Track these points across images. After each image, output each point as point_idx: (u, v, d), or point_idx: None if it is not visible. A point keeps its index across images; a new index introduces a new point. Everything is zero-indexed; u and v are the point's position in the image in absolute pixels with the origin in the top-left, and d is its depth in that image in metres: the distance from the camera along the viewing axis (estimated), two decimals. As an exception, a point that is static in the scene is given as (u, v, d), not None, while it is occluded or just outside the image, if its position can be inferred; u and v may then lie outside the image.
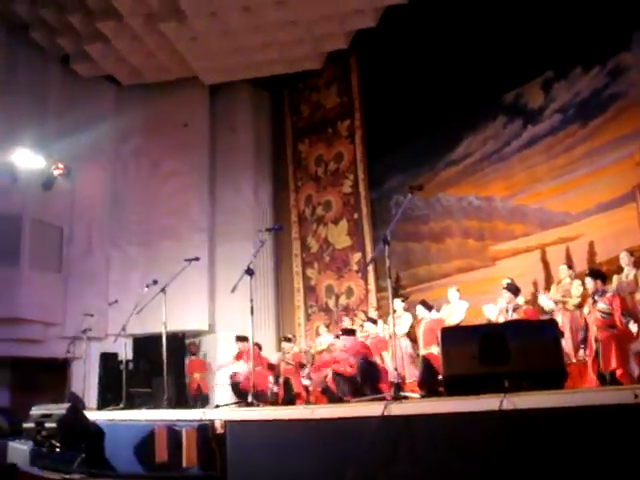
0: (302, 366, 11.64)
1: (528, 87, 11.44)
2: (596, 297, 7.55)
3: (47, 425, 7.15)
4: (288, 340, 12.24)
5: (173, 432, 6.06)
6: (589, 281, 7.63)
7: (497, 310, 8.77)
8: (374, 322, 10.78)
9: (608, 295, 7.55)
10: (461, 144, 12.46)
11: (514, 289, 8.63)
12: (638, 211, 9.65)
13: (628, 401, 3.53)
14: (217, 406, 6.65)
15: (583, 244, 10.32)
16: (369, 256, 14.07)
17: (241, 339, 10.95)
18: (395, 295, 10.85)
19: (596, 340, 7.36)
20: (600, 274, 7.78)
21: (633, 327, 7.14)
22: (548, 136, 11.01)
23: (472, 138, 12.30)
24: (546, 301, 9.18)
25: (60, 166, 13.71)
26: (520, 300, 8.96)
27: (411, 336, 10.54)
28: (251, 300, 6.87)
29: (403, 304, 10.69)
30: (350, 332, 9.82)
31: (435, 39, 12.31)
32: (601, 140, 10.16)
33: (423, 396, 5.28)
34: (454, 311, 9.75)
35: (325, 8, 12.88)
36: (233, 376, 10.88)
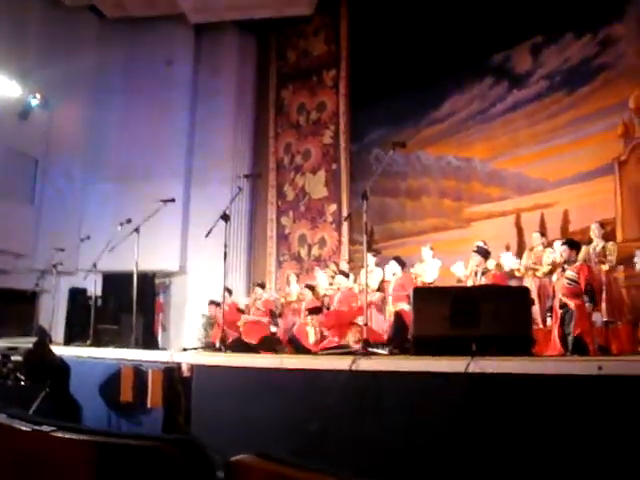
0: (272, 313, 11.68)
1: (517, 50, 11.35)
2: (566, 266, 7.61)
3: (13, 358, 7.14)
4: (261, 286, 12.26)
5: (139, 372, 6.05)
6: (564, 249, 7.67)
7: (467, 272, 8.84)
8: (346, 275, 10.80)
9: (577, 264, 7.64)
10: (446, 102, 12.37)
11: (484, 252, 8.68)
12: (615, 183, 9.72)
13: (591, 372, 3.58)
14: (185, 349, 6.65)
15: (558, 212, 10.38)
16: (345, 208, 14.07)
17: (214, 303, 11.11)
18: (368, 249, 10.86)
19: (561, 307, 7.48)
20: (576, 244, 7.83)
21: (589, 305, 7.25)
22: (533, 101, 10.97)
23: (457, 97, 12.22)
24: (508, 260, 9.23)
25: (38, 96, 13.44)
26: (491, 264, 9.03)
27: (381, 291, 10.58)
28: (225, 246, 6.82)
29: (375, 259, 10.68)
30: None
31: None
32: (586, 110, 10.15)
33: (391, 353, 5.32)
34: (427, 269, 9.79)
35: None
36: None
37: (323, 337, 9.59)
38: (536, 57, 11.01)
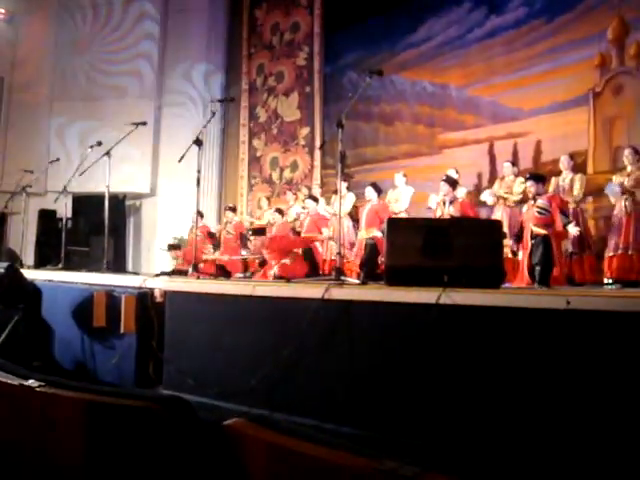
0: (242, 237, 11.68)
1: (497, -27, 11.14)
2: (536, 197, 7.67)
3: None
4: (232, 210, 12.21)
5: (112, 298, 6.06)
6: (531, 184, 7.72)
7: (435, 201, 8.90)
8: (315, 200, 10.80)
9: (548, 194, 7.73)
10: (423, 26, 12.15)
11: (452, 181, 8.72)
12: (589, 115, 9.73)
13: (560, 307, 3.65)
14: (157, 275, 6.65)
15: (531, 142, 10.39)
16: (318, 131, 13.95)
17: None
18: (342, 173, 10.83)
19: (532, 237, 7.57)
20: (541, 177, 7.88)
21: (573, 229, 7.32)
22: (511, 28, 10.79)
23: (435, 21, 11.98)
24: (488, 196, 9.31)
25: (3, 11, 12.98)
26: (461, 192, 9.08)
27: (352, 216, 10.61)
28: (198, 171, 6.76)
29: (346, 183, 10.64)
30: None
31: None
32: (564, 38, 10.03)
33: (363, 282, 5.37)
34: (400, 196, 9.83)
35: None
36: None
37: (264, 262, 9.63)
38: (516, -18, 10.83)
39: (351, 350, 4.41)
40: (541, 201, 7.55)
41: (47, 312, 7.03)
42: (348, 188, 10.54)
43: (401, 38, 12.51)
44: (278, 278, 7.92)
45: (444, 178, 8.76)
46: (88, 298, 6.23)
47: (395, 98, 12.71)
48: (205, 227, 11.57)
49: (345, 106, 6.18)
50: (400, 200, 9.79)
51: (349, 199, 10.45)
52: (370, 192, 9.47)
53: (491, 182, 10.24)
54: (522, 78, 10.55)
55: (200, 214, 10.94)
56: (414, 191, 9.90)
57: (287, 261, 8.73)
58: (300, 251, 9.41)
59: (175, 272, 8.04)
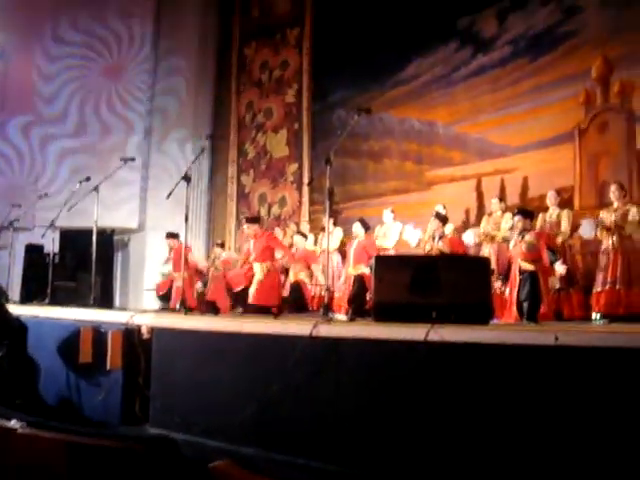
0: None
1: (483, 14, 11.24)
2: (524, 233, 7.70)
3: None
4: (221, 246, 12.19)
5: (99, 333, 6.02)
6: (519, 219, 7.74)
7: (426, 236, 8.92)
8: (304, 236, 10.80)
9: (536, 230, 7.76)
10: (410, 65, 12.28)
11: (442, 217, 8.76)
12: (575, 151, 9.83)
13: (549, 343, 3.65)
14: (144, 311, 6.61)
15: (518, 178, 10.45)
16: (306, 168, 14.01)
17: (171, 236, 10.77)
18: (330, 210, 10.86)
19: (520, 273, 7.58)
20: (529, 213, 7.91)
21: (559, 267, 7.35)
22: (497, 67, 10.92)
23: (422, 59, 12.11)
24: (470, 237, 9.32)
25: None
26: (449, 228, 9.11)
27: (341, 252, 10.62)
28: (186, 207, 6.77)
29: (332, 219, 10.62)
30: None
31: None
32: (548, 77, 10.16)
33: (352, 319, 5.36)
34: (388, 232, 9.85)
35: None
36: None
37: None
38: (502, 22, 10.96)
39: (338, 389, 4.38)
40: (529, 237, 7.57)
41: (33, 348, 6.96)
42: (335, 224, 10.56)
43: (389, 76, 12.63)
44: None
45: (434, 214, 8.80)
46: (74, 334, 6.19)
47: (383, 135, 12.79)
48: (194, 263, 11.52)
49: (334, 143, 6.24)
50: (388, 236, 9.81)
51: (337, 235, 10.47)
52: (357, 228, 9.46)
53: (479, 218, 10.28)
54: (508, 115, 10.66)
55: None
56: (402, 228, 9.92)
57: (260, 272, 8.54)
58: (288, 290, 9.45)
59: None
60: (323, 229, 10.15)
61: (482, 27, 11.28)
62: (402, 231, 9.80)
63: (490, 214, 9.62)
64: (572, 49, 9.99)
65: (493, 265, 8.64)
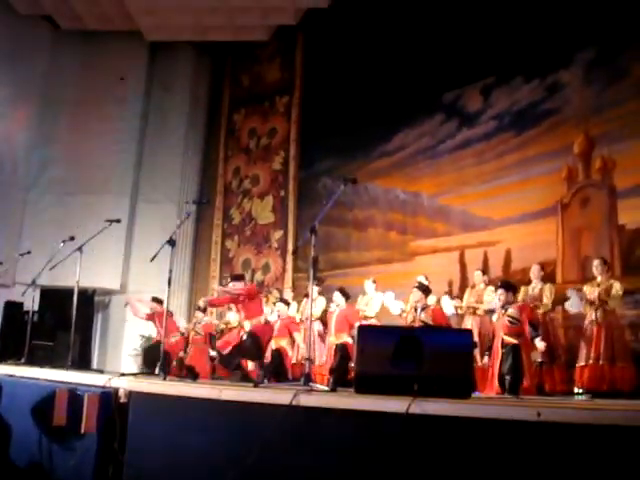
0: (212, 337, 11.53)
1: (468, 89, 11.53)
2: (507, 306, 7.70)
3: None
4: (203, 310, 12.09)
5: (75, 396, 5.89)
6: (501, 292, 7.75)
7: (407, 307, 8.90)
8: (287, 304, 10.75)
9: (518, 303, 7.75)
10: (396, 136, 12.50)
11: (425, 289, 8.75)
12: (558, 225, 9.93)
13: (531, 419, 3.61)
14: (122, 374, 6.51)
15: (501, 251, 10.54)
16: (291, 235, 14.07)
17: (157, 300, 10.67)
18: (314, 279, 10.85)
19: (503, 346, 7.55)
20: (512, 286, 7.92)
21: (539, 344, 7.33)
22: (481, 141, 11.15)
23: (408, 131, 12.35)
24: (448, 303, 9.30)
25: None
26: (431, 299, 9.09)
27: (323, 320, 10.57)
28: (170, 271, 6.73)
29: (318, 288, 10.64)
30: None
31: (384, 30, 12.31)
32: (532, 152, 10.36)
33: (332, 389, 5.29)
34: (370, 302, 9.82)
35: (278, -20, 12.81)
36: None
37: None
38: (486, 97, 11.22)
39: (318, 459, 4.29)
40: (512, 310, 7.56)
41: (5, 408, 6.81)
42: (321, 293, 10.55)
43: (375, 147, 12.84)
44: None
45: (416, 285, 8.79)
46: (50, 395, 6.05)
47: (368, 205, 12.92)
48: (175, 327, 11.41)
49: (319, 211, 6.26)
50: (370, 305, 9.78)
51: (320, 303, 10.43)
52: (338, 297, 9.45)
53: (462, 289, 10.30)
54: (492, 188, 10.82)
55: (170, 312, 10.92)
56: (384, 297, 9.90)
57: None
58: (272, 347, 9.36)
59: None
60: (306, 296, 10.12)
61: (467, 102, 11.55)
62: (383, 299, 9.76)
63: (473, 286, 9.64)
64: (555, 125, 10.22)
65: (475, 338, 8.63)
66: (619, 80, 9.53)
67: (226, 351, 7.95)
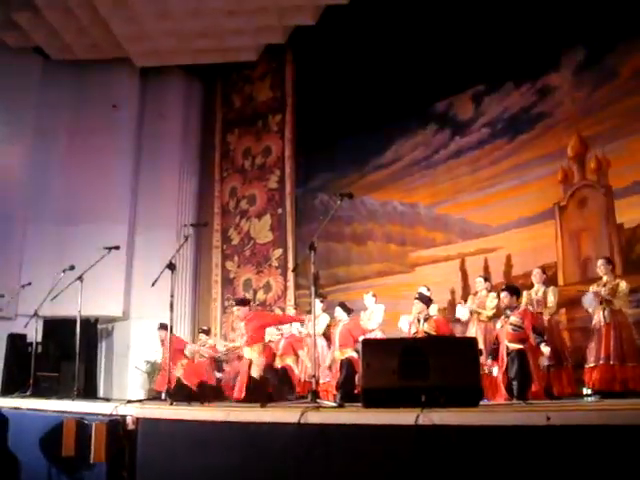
0: (216, 360, 11.51)
1: (459, 98, 11.59)
2: (509, 312, 7.68)
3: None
4: (206, 332, 12.07)
5: (82, 426, 5.86)
6: (505, 295, 7.74)
7: (411, 318, 8.88)
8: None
9: (520, 310, 7.71)
10: (390, 148, 12.54)
11: (426, 300, 8.69)
12: (556, 228, 9.93)
13: (540, 423, 3.59)
14: (129, 401, 6.48)
15: (501, 257, 10.54)
16: (290, 253, 14.06)
17: (164, 327, 10.69)
18: (315, 295, 10.84)
19: (508, 353, 7.53)
20: (516, 290, 7.92)
21: (545, 348, 7.31)
22: (475, 148, 11.19)
23: (402, 143, 12.39)
24: (462, 311, 9.31)
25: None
26: (433, 309, 9.06)
27: (326, 336, 10.54)
28: (171, 296, 6.72)
29: (322, 304, 10.63)
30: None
31: (372, 43, 12.34)
32: (526, 156, 10.39)
33: (340, 405, 5.27)
34: (372, 315, 9.80)
35: (266, 0, 12.84)
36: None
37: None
38: (478, 105, 11.27)
39: (328, 476, 4.26)
40: (514, 318, 7.55)
41: (13, 442, 6.79)
42: (325, 310, 10.52)
43: (369, 160, 12.88)
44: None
45: (417, 296, 8.77)
46: (57, 427, 6.03)
47: (366, 218, 12.93)
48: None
49: (317, 227, 6.28)
50: (372, 318, 9.76)
51: (324, 320, 10.41)
52: (339, 312, 9.49)
53: (464, 298, 10.25)
54: (489, 195, 10.84)
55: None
56: (385, 308, 9.86)
57: (255, 353, 8.48)
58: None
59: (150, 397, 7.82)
60: (309, 312, 10.12)
61: (459, 110, 11.59)
62: (392, 312, 9.73)
63: (475, 293, 9.62)
64: (547, 129, 10.26)
65: (481, 345, 8.59)
66: (608, 81, 9.58)
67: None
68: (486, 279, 9.69)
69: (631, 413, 3.47)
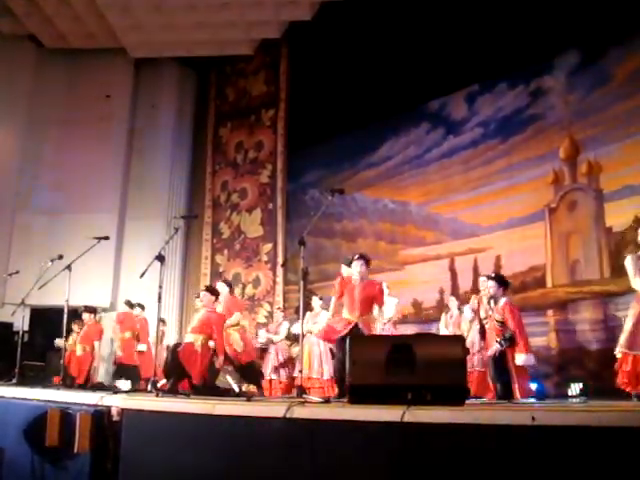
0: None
1: (453, 97, 11.60)
2: (492, 303, 7.61)
3: None
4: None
5: (67, 416, 5.84)
6: (492, 285, 7.63)
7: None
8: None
9: (500, 304, 7.61)
10: (383, 146, 12.54)
11: (503, 281, 7.96)
12: (546, 230, 9.96)
13: (525, 422, 3.60)
14: (115, 392, 6.46)
15: (491, 257, 10.55)
16: (280, 248, 14.05)
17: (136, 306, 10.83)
18: (304, 290, 10.80)
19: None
20: (504, 282, 7.81)
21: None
22: (468, 148, 11.20)
23: (394, 141, 12.40)
24: (468, 312, 9.25)
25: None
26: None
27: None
28: (160, 287, 6.69)
29: (321, 302, 10.50)
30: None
31: (368, 39, 12.31)
32: (518, 157, 10.41)
33: (326, 401, 5.27)
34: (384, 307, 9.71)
35: (262, -6, 12.89)
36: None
37: None
38: (471, 105, 11.28)
39: (314, 471, 4.27)
40: (497, 315, 7.52)
41: (-4, 428, 6.76)
42: (324, 308, 10.44)
43: (362, 157, 12.88)
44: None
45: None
46: (41, 416, 6.00)
47: (357, 215, 12.93)
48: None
49: (308, 223, 6.27)
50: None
51: (323, 317, 10.31)
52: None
53: (454, 294, 10.35)
54: (480, 195, 10.86)
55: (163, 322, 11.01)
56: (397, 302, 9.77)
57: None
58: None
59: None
60: (297, 306, 10.10)
61: (452, 109, 11.61)
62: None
63: (478, 292, 9.48)
64: (540, 130, 10.27)
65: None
66: (602, 84, 9.59)
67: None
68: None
69: (615, 415, 3.49)
